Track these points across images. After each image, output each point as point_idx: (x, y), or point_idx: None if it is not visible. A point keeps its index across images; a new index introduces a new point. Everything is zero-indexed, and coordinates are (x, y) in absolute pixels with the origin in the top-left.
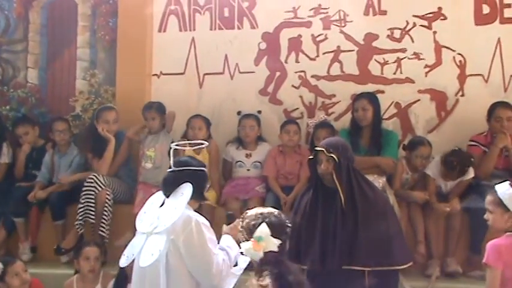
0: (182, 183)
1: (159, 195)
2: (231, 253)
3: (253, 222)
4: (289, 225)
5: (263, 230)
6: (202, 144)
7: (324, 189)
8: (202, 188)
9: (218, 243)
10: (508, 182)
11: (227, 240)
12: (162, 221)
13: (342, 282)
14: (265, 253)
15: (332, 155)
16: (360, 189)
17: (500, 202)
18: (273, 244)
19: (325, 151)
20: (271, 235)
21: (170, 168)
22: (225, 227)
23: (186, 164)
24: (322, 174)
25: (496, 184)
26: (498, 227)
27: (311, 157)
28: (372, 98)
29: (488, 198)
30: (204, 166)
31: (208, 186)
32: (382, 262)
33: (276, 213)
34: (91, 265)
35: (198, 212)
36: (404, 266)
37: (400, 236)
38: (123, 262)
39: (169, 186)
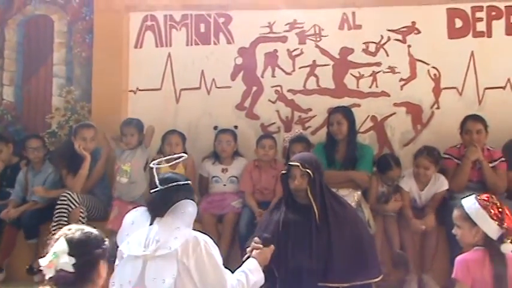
0: (177, 200)
1: (141, 213)
2: (250, 277)
3: (57, 237)
4: (103, 246)
5: (58, 246)
6: (181, 157)
7: (295, 206)
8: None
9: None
10: (474, 196)
11: (251, 264)
12: (165, 243)
13: None
14: (57, 271)
15: (307, 170)
16: (331, 205)
17: (467, 217)
18: (64, 263)
19: (300, 166)
20: (70, 253)
21: (156, 187)
22: (254, 251)
23: (172, 181)
24: (295, 190)
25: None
26: (466, 242)
27: (284, 172)
28: (346, 112)
29: (455, 213)
30: (188, 179)
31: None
32: (358, 276)
33: (86, 230)
34: None
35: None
36: (378, 279)
37: (373, 248)
38: None
39: (160, 206)
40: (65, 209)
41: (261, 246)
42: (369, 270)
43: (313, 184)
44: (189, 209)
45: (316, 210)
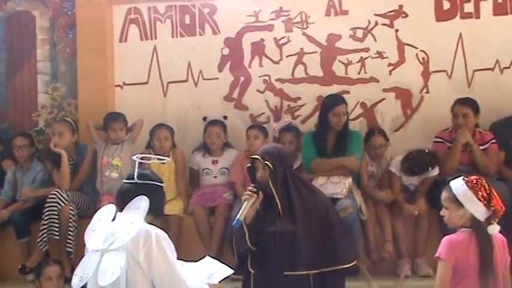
0: (137, 196)
1: (108, 210)
2: None
3: None
4: None
5: None
6: (163, 160)
7: (265, 196)
8: (160, 203)
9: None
10: (462, 178)
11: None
12: (119, 237)
13: (287, 287)
14: None
15: (267, 163)
16: (298, 194)
17: (455, 198)
18: None
19: (260, 159)
20: None
21: (131, 179)
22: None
23: (149, 178)
24: (260, 182)
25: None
26: (453, 223)
27: (249, 165)
28: (345, 102)
29: (444, 194)
30: (162, 182)
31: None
32: (327, 262)
33: None
34: (54, 285)
35: (153, 225)
36: (350, 265)
37: (344, 234)
38: (76, 283)
39: (128, 198)
40: (55, 207)
41: (255, 190)
42: (340, 256)
43: (274, 176)
44: (142, 203)
45: (278, 201)
